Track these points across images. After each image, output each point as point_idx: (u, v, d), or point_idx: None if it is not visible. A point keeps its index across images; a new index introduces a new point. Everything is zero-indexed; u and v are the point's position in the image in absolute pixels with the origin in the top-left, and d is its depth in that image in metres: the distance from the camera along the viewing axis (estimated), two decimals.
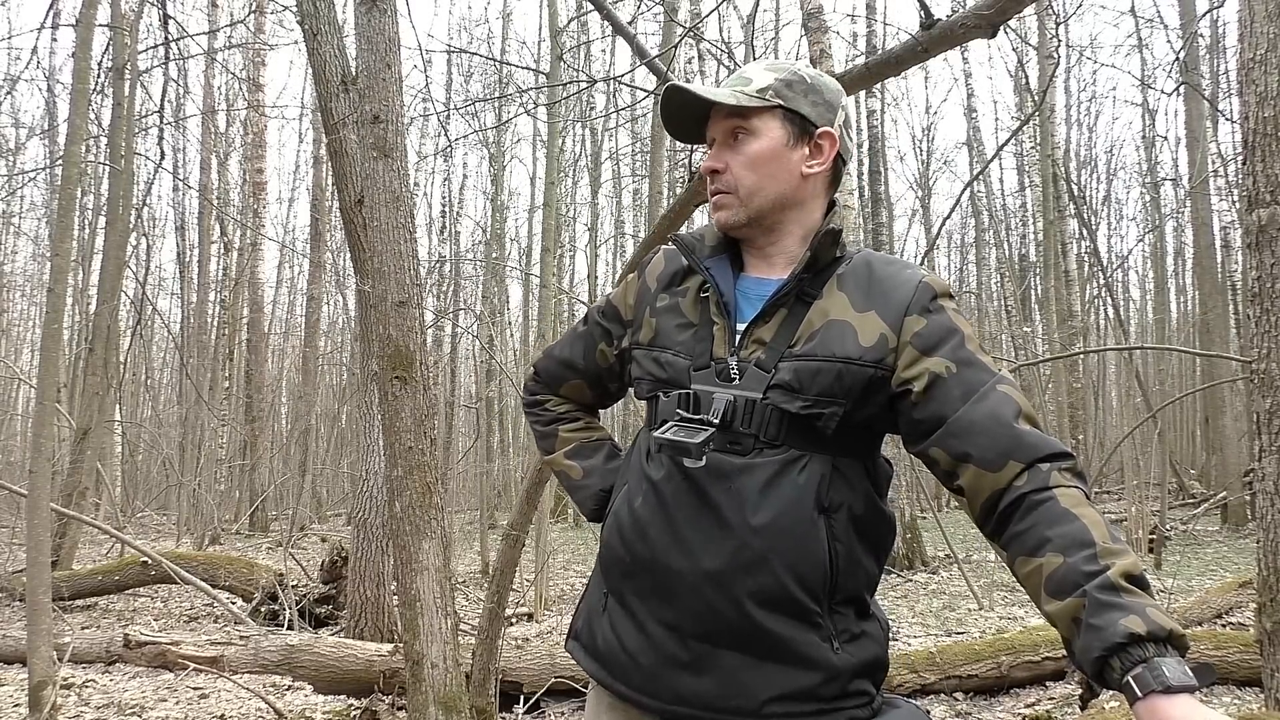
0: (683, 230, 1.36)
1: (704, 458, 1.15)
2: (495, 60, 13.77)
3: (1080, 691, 3.79)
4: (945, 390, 1.13)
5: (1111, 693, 3.38)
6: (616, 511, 1.27)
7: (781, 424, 1.15)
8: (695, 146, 2.88)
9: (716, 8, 4.21)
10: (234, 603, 6.38)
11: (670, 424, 1.19)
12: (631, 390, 1.39)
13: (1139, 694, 0.88)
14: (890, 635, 1.27)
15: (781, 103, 1.23)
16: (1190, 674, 0.88)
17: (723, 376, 1.19)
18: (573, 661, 4.81)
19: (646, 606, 1.19)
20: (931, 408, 1.13)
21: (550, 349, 1.51)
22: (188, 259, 17.42)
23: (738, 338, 1.21)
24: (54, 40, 13.68)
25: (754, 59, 14.14)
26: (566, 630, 1.37)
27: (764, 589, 1.12)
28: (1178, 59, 9.29)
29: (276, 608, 6.28)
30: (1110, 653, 0.91)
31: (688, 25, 7.72)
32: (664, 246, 1.38)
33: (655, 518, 1.19)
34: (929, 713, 4.05)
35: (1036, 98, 11.33)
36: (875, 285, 1.20)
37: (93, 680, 4.76)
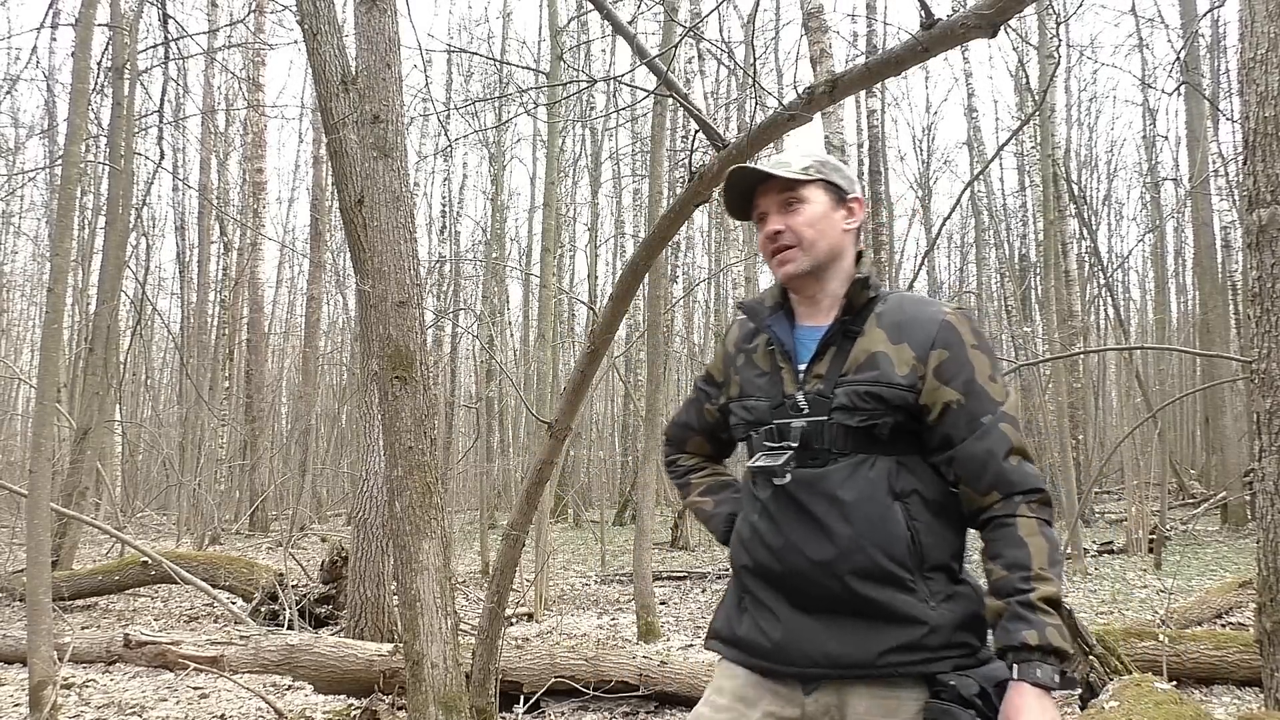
0: (748, 298, 1.68)
1: (788, 474, 1.44)
2: (495, 60, 13.76)
3: (1080, 691, 3.79)
4: (954, 418, 1.42)
5: (1111, 693, 3.38)
6: (738, 530, 1.56)
7: (847, 436, 1.43)
8: (696, 146, 2.89)
9: (716, 8, 4.20)
10: (234, 603, 6.37)
11: (760, 454, 1.49)
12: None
13: (1016, 679, 1.30)
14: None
15: (823, 176, 1.54)
16: (1057, 679, 1.29)
17: (795, 409, 1.47)
18: (572, 661, 4.77)
19: (776, 596, 1.46)
20: (942, 431, 1.42)
21: (674, 418, 1.84)
22: (188, 259, 17.42)
23: (801, 376, 1.49)
24: (54, 40, 13.68)
25: (754, 59, 14.15)
26: (705, 633, 1.64)
27: (861, 566, 1.38)
28: (1178, 59, 9.29)
29: (276, 608, 6.27)
30: (1008, 649, 1.32)
31: (688, 25, 7.72)
32: (737, 317, 1.71)
33: (768, 527, 1.47)
34: None
35: (1037, 97, 11.32)
36: (907, 322, 1.47)
37: (93, 680, 4.76)
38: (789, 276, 1.52)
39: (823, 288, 1.53)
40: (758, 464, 1.47)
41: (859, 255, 1.57)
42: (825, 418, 1.44)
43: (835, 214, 1.53)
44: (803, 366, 1.50)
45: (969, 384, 1.42)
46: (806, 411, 1.45)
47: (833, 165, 1.56)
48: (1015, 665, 1.30)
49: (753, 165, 1.54)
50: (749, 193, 1.56)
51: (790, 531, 1.44)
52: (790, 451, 1.44)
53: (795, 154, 1.56)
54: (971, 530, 1.48)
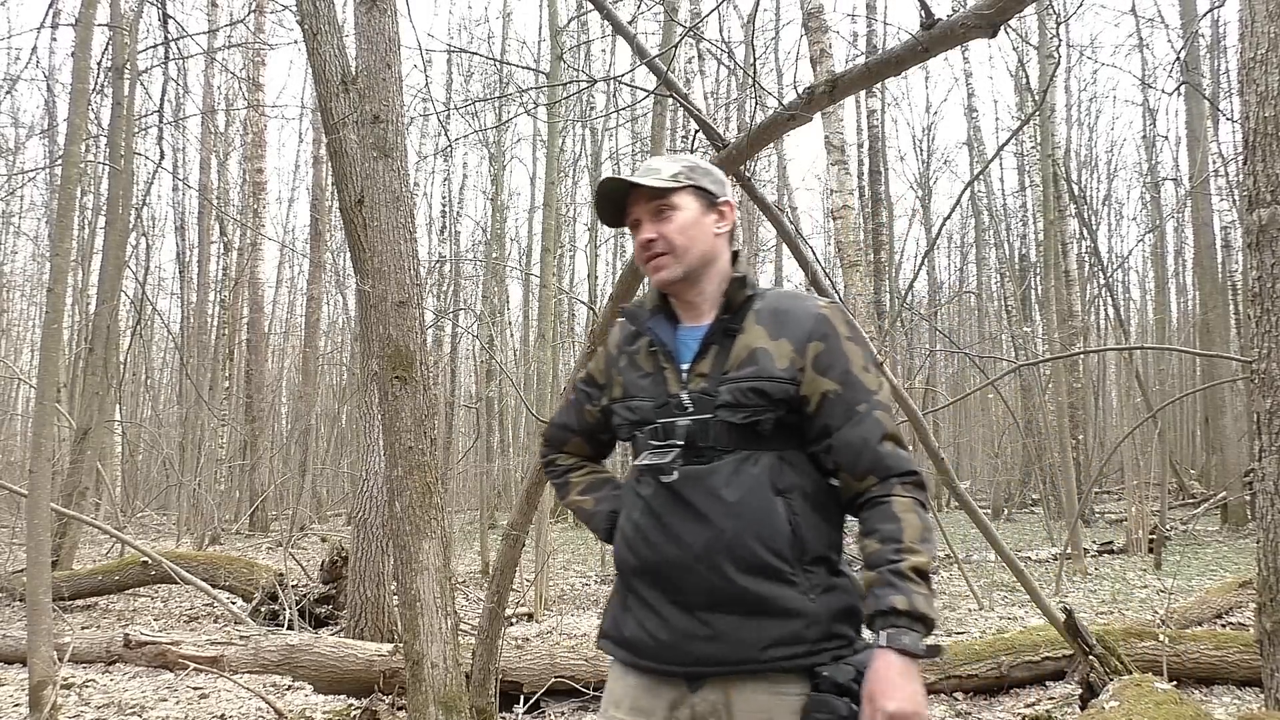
0: (630, 302, 1.70)
1: (675, 471, 1.47)
2: (495, 60, 13.76)
3: (1080, 691, 3.79)
4: (831, 407, 1.47)
5: (1111, 693, 3.38)
6: (621, 527, 1.58)
7: (731, 433, 1.47)
8: (696, 146, 2.90)
9: (716, 8, 4.20)
10: (234, 603, 6.37)
11: (646, 452, 1.52)
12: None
13: (884, 645, 1.32)
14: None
15: (692, 183, 1.57)
16: (922, 646, 1.32)
17: (679, 408, 1.51)
18: (572, 661, 4.77)
19: (659, 593, 1.48)
20: (820, 421, 1.47)
21: (552, 419, 1.85)
22: (188, 259, 17.41)
23: (684, 376, 1.53)
24: (54, 40, 13.69)
25: (754, 59, 14.15)
26: (597, 634, 1.65)
27: (741, 558, 1.42)
28: (1178, 59, 9.29)
29: (276, 608, 6.27)
30: (877, 614, 1.35)
31: (688, 25, 7.72)
32: (617, 320, 1.72)
33: (650, 523, 1.49)
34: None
35: (1037, 97, 11.32)
36: (784, 317, 1.52)
37: (93, 680, 4.76)
38: (663, 282, 1.56)
39: (699, 290, 1.57)
40: (645, 462, 1.50)
41: (735, 255, 1.62)
42: (710, 415, 1.48)
43: (706, 219, 1.57)
44: (685, 366, 1.53)
45: (845, 374, 1.47)
46: (691, 410, 1.49)
47: (703, 170, 1.60)
48: (882, 631, 1.33)
49: (622, 175, 1.58)
50: (622, 201, 1.59)
51: (672, 525, 1.46)
52: (677, 449, 1.48)
53: (664, 161, 1.61)
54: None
